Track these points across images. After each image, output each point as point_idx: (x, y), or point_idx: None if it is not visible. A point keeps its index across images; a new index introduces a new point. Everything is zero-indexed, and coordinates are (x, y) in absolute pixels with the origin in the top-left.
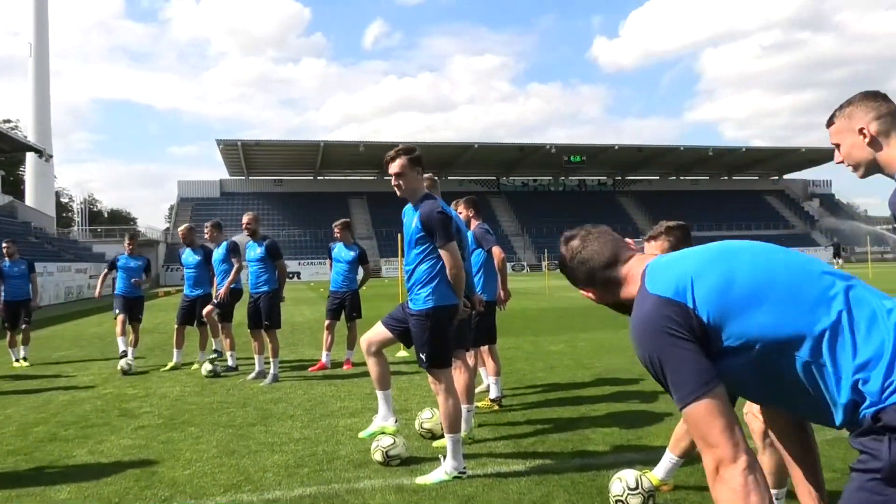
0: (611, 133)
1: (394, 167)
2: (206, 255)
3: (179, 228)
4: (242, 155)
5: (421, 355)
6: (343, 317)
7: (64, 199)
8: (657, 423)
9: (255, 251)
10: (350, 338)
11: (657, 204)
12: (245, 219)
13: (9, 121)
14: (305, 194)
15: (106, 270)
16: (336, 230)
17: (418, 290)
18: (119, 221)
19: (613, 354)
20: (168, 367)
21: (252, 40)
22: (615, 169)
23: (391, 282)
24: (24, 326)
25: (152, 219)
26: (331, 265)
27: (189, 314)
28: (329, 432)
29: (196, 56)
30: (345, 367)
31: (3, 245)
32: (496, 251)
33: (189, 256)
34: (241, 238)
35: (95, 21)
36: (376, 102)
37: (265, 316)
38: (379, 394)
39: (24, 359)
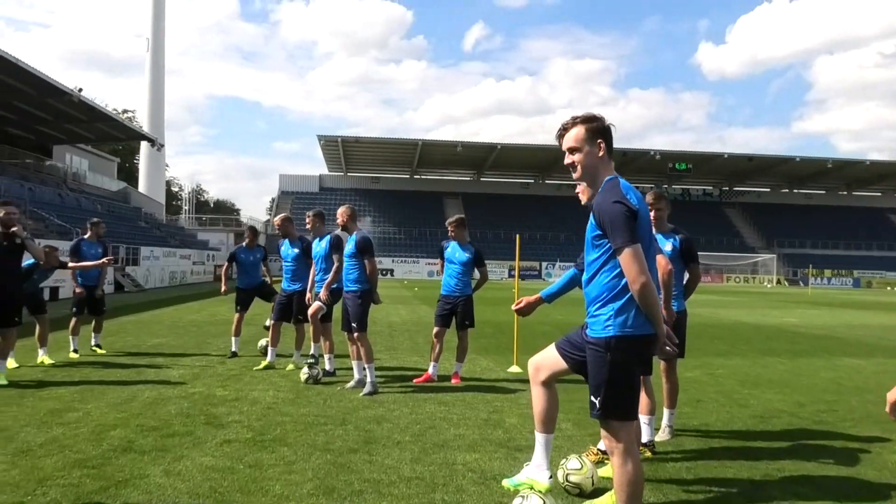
0: (713, 142)
1: (567, 140)
2: (305, 247)
3: (275, 218)
4: (342, 151)
5: (594, 399)
6: (454, 325)
7: (174, 189)
8: (882, 503)
9: (347, 246)
10: (460, 348)
11: (767, 217)
12: (338, 212)
13: (126, 110)
14: (401, 192)
15: (226, 263)
16: (450, 228)
17: (596, 309)
18: (223, 211)
19: (765, 389)
20: (261, 367)
21: (356, 42)
22: (722, 178)
23: (490, 285)
24: (99, 315)
25: (255, 210)
26: (442, 266)
27: (286, 310)
28: (446, 471)
29: (303, 56)
30: (453, 380)
31: (92, 222)
32: (661, 260)
33: (287, 249)
34: (340, 234)
35: (213, 22)
36: (474, 104)
37: (352, 318)
38: (538, 436)
39: (98, 346)
